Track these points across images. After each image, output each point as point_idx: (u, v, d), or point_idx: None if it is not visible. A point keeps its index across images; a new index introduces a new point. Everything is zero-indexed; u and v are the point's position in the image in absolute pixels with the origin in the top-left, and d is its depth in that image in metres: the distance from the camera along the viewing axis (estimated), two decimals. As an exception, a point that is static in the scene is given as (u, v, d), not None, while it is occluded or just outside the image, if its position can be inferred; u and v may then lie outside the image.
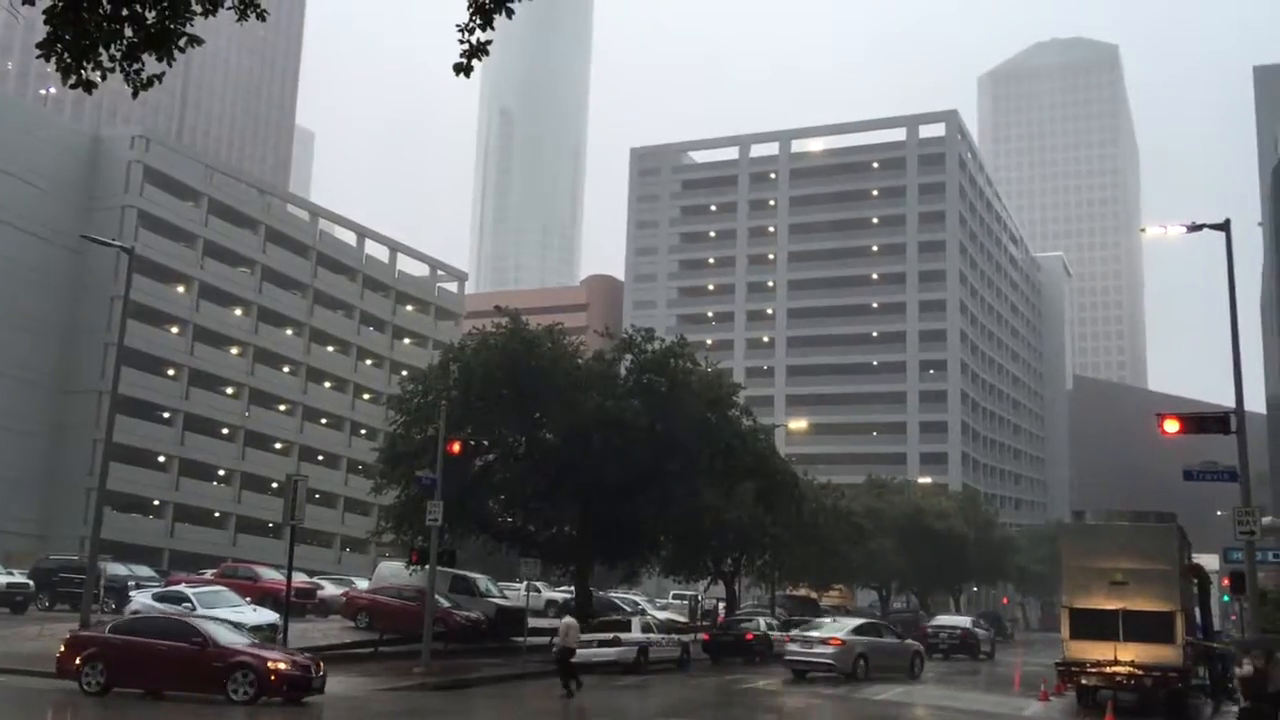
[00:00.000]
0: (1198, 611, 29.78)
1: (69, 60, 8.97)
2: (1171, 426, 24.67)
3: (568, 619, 28.01)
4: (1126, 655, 25.77)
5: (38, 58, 9.48)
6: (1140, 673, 25.49)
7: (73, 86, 9.25)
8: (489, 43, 9.18)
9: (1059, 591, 30.91)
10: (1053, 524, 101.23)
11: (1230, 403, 25.26)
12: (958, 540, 77.12)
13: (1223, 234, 25.90)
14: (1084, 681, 26.48)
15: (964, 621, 53.88)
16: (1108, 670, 25.83)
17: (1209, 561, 38.33)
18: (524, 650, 34.06)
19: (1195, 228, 26.63)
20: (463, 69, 9.28)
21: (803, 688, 31.34)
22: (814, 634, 34.45)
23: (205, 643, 22.52)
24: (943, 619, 56.08)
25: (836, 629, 34.97)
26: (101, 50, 9.03)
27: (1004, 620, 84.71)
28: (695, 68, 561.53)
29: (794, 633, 36.33)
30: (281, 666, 22.36)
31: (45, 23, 8.91)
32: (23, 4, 9.42)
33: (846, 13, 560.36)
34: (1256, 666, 22.30)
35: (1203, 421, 25.29)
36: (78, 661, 22.64)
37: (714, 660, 39.54)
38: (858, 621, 38.59)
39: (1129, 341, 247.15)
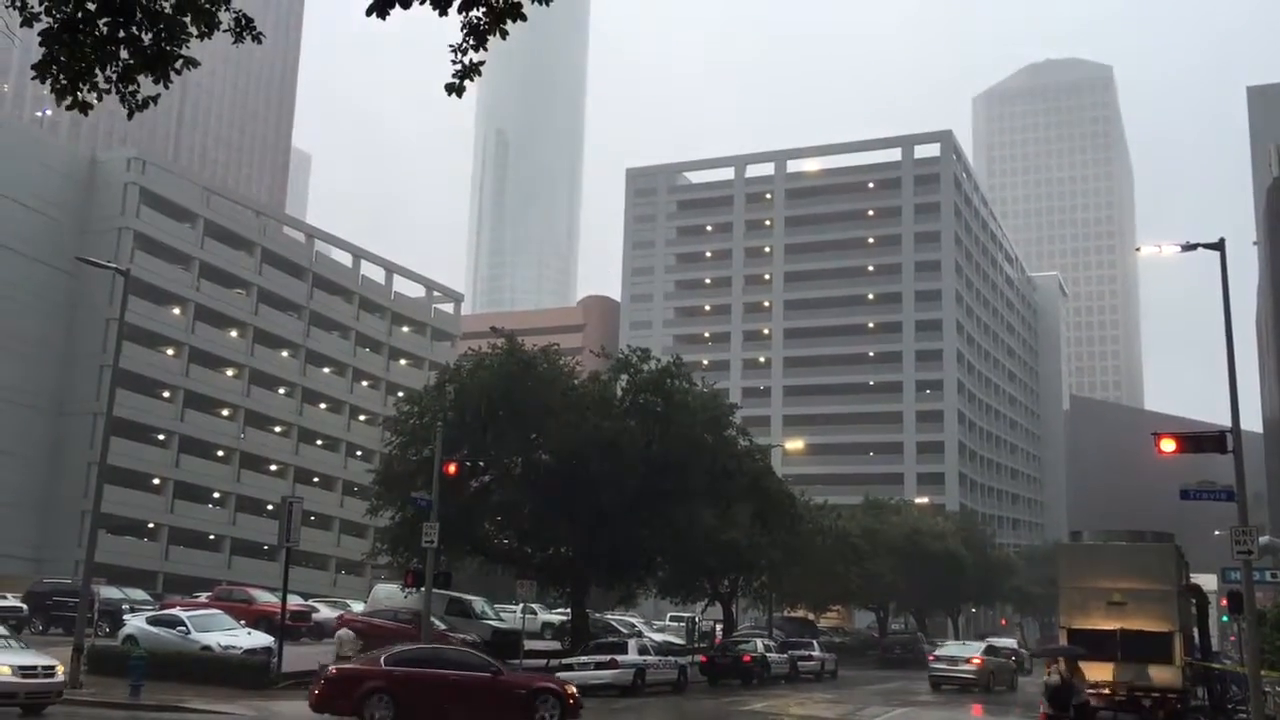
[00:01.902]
0: (1196, 632, 29.70)
1: (65, 82, 8.96)
2: (1168, 446, 24.63)
3: (343, 631, 28.17)
4: (1125, 676, 25.68)
5: (33, 79, 9.48)
6: (1139, 693, 25.39)
7: (69, 108, 9.24)
8: (482, 63, 9.19)
9: (1057, 612, 30.86)
10: (1050, 544, 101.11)
11: (1227, 421, 25.23)
12: (955, 561, 76.89)
13: (1217, 253, 25.96)
14: (1083, 702, 26.36)
15: (1011, 643, 59.61)
16: (1106, 691, 25.72)
17: (1207, 581, 38.30)
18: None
19: (1190, 247, 26.67)
20: (455, 89, 9.29)
21: (801, 709, 31.23)
22: (957, 655, 42.87)
23: (499, 670, 22.87)
24: (991, 640, 59.33)
25: (973, 651, 43.50)
26: (97, 72, 9.02)
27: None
28: (691, 88, 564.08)
29: (937, 653, 44.88)
30: (574, 689, 23.31)
31: (41, 44, 8.90)
32: (20, 25, 9.41)
33: (841, 36, 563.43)
34: (1062, 676, 22.58)
35: (1199, 441, 25.25)
36: (355, 696, 21.49)
37: (711, 682, 39.39)
38: (983, 644, 46.56)
39: (1125, 360, 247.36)
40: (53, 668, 22.85)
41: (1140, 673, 25.67)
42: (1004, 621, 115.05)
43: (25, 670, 22.05)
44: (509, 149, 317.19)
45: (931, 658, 44.61)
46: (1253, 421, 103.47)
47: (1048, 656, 24.36)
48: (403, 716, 21.46)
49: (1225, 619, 55.24)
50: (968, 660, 41.91)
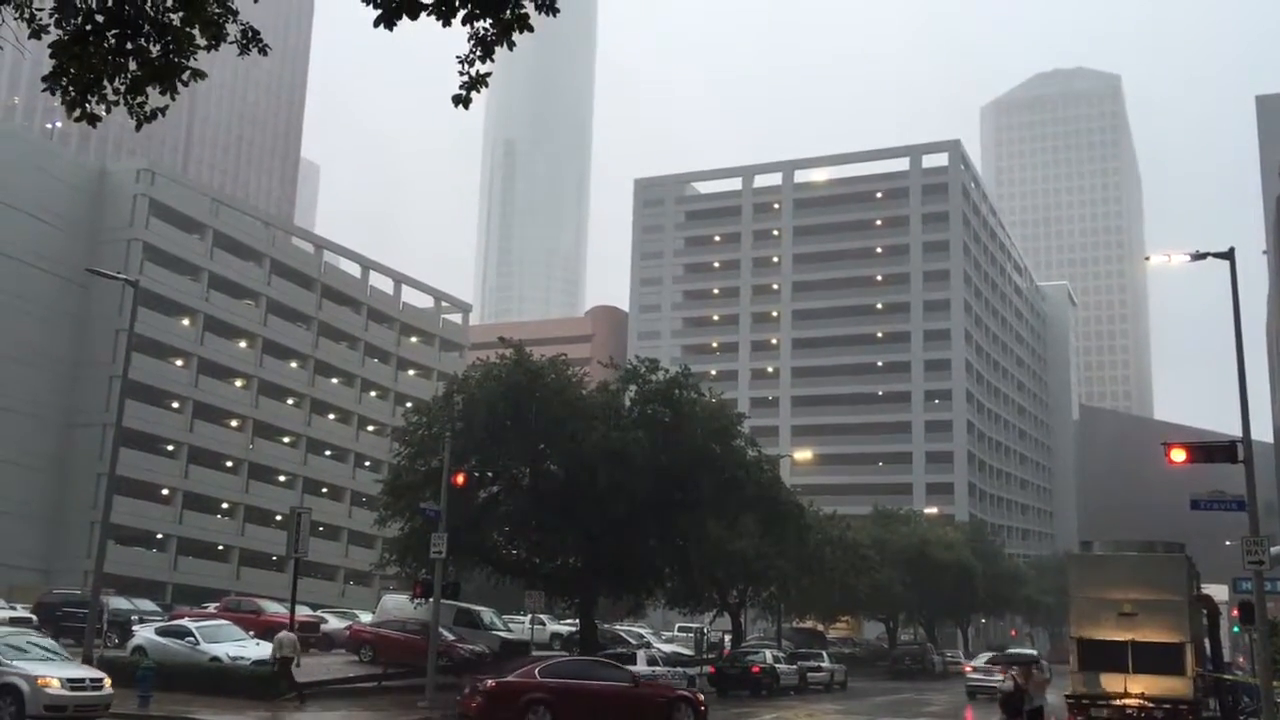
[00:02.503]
0: (1207, 643, 29.55)
1: (73, 93, 9.00)
2: (1178, 456, 24.54)
3: (283, 633, 28.77)
4: (1136, 687, 25.54)
5: (43, 91, 9.52)
6: (1151, 705, 25.25)
7: (77, 119, 9.28)
8: (488, 74, 9.19)
9: (1067, 623, 30.75)
10: (1060, 554, 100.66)
11: (1237, 431, 25.13)
12: (965, 571, 76.63)
13: (1227, 262, 25.88)
14: (1094, 714, 26.23)
15: (1033, 653, 61.34)
16: (1117, 703, 25.59)
17: (1218, 592, 38.10)
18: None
19: (1199, 256, 26.60)
20: (462, 100, 9.29)
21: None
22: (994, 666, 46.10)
23: (639, 681, 25.63)
24: (1013, 650, 63.15)
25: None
26: (106, 83, 9.06)
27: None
28: (699, 99, 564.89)
29: (973, 663, 48.70)
30: (702, 696, 26.58)
31: (50, 56, 8.94)
32: (29, 38, 9.45)
33: (849, 45, 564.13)
34: (1016, 683, 22.90)
35: (1210, 451, 25.12)
36: (516, 707, 23.17)
37: (720, 693, 39.30)
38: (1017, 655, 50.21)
39: (1134, 370, 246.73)
40: (100, 680, 22.75)
41: (1152, 684, 25.53)
42: (1014, 632, 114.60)
43: (74, 683, 21.95)
44: (516, 159, 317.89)
45: (968, 669, 48.08)
46: (1263, 431, 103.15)
47: (1002, 665, 25.58)
48: None
49: (1237, 629, 55.04)
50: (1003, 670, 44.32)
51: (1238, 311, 25.72)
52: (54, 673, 21.93)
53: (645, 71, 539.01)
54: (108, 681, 23.04)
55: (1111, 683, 25.71)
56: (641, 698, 24.37)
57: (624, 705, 24.07)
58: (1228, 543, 45.44)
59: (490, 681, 24.02)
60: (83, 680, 22.26)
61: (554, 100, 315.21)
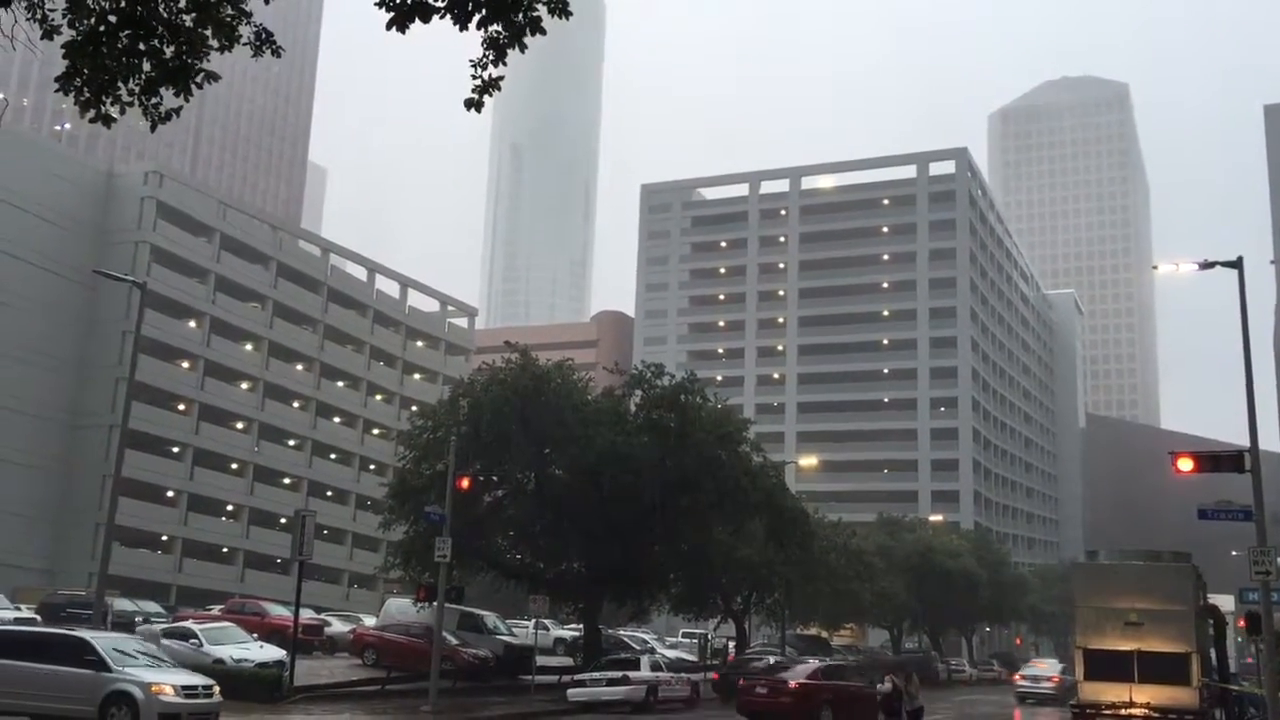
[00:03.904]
0: (1213, 653, 29.45)
1: (88, 94, 8.98)
2: (1185, 465, 24.48)
3: (152, 628, 29.16)
4: (1142, 697, 25.47)
5: (56, 92, 9.52)
6: (1156, 715, 25.18)
7: (92, 121, 9.26)
8: (501, 78, 9.20)
9: (1073, 632, 30.68)
10: (1066, 563, 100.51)
11: (1244, 440, 25.07)
12: (970, 579, 76.47)
13: (1235, 271, 25.83)
14: (1099, 723, 26.16)
15: (1059, 665, 65.34)
16: (1123, 712, 25.53)
17: (1224, 602, 38.01)
18: (532, 688, 33.77)
19: (1207, 265, 26.55)
20: (474, 104, 9.30)
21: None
22: (1039, 674, 51.39)
23: (873, 683, 31.10)
24: (1046, 659, 66.75)
25: (1053, 670, 51.59)
26: (120, 84, 9.04)
27: (1018, 661, 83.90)
28: (706, 103, 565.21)
29: (1022, 672, 54.01)
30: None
31: (64, 57, 8.92)
32: (41, 39, 9.45)
33: (856, 52, 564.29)
34: (895, 685, 23.85)
35: (1217, 460, 25.08)
36: (815, 704, 28.34)
37: (724, 699, 39.15)
38: (1060, 665, 54.06)
39: (1141, 379, 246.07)
40: (211, 687, 22.20)
41: (1158, 694, 25.45)
42: (1019, 641, 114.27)
43: (188, 690, 21.40)
44: (524, 163, 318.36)
45: (1019, 677, 52.97)
46: (1271, 440, 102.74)
47: (885, 669, 29.88)
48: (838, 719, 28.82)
49: (1240, 640, 54.95)
50: (1049, 679, 49.77)
51: (1245, 320, 25.68)
52: (167, 679, 21.31)
53: (652, 78, 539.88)
54: (217, 689, 22.51)
55: (1117, 692, 25.64)
56: (870, 696, 29.30)
57: (867, 704, 28.96)
58: (1234, 553, 45.33)
59: (793, 683, 28.92)
60: (195, 687, 21.67)
61: (561, 105, 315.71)
